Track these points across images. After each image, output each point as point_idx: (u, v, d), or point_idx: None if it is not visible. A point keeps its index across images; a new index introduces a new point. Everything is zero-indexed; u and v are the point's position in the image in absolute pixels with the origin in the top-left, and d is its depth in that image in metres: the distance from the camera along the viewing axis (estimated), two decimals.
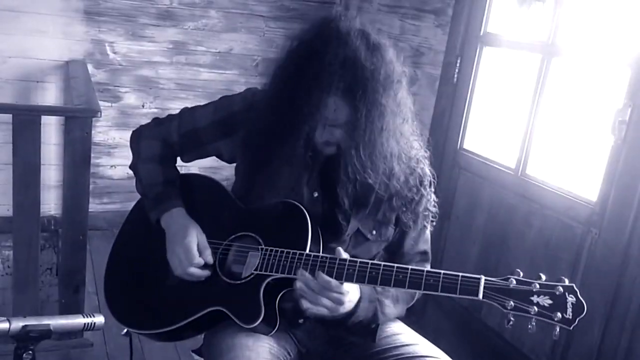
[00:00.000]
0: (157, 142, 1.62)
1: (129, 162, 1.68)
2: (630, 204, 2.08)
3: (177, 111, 1.65)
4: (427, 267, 1.56)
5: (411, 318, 1.65)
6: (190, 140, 1.61)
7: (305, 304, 1.34)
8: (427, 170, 1.54)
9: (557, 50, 2.42)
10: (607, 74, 2.29)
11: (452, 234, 2.91)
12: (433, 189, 1.56)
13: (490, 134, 2.85)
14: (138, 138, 1.65)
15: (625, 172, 2.11)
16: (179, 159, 1.67)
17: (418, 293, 1.55)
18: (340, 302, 1.34)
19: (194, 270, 1.46)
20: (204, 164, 1.65)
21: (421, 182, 1.51)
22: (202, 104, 1.63)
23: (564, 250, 2.33)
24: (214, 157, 1.65)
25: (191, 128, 1.60)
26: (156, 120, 1.67)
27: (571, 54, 2.41)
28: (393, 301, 1.51)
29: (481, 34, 2.78)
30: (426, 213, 1.54)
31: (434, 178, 1.55)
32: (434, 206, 1.55)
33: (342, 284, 1.33)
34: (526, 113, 2.51)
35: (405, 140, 1.44)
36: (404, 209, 1.50)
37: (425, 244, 1.59)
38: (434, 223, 1.58)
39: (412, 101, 1.42)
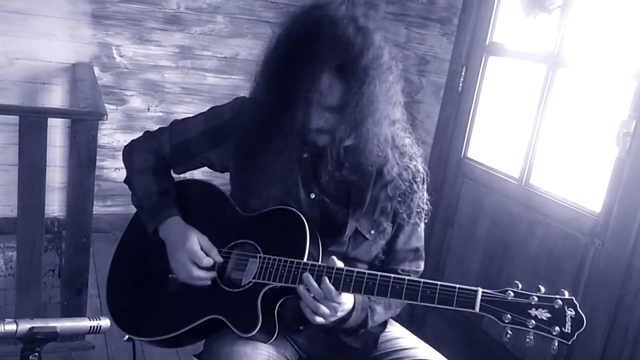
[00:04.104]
0: (150, 155, 1.63)
1: None
2: (634, 216, 2.08)
3: (183, 116, 1.65)
4: (421, 265, 1.59)
5: (412, 326, 1.65)
6: (181, 152, 1.61)
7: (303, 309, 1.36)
8: (420, 167, 1.55)
9: (563, 61, 2.42)
10: (612, 85, 2.30)
11: (455, 242, 2.90)
12: (426, 187, 1.56)
13: (495, 143, 2.85)
14: (130, 152, 1.65)
15: (629, 184, 2.10)
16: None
17: None
18: (335, 312, 1.36)
19: (199, 273, 1.46)
20: (206, 168, 1.65)
21: (414, 178, 1.52)
22: (192, 115, 1.63)
23: (567, 260, 2.33)
24: None
25: (182, 139, 1.60)
26: (147, 134, 1.67)
27: (576, 65, 2.41)
28: (385, 308, 1.52)
29: (487, 43, 2.79)
30: (419, 209, 1.55)
31: (427, 176, 1.56)
32: (427, 203, 1.56)
33: (340, 293, 1.34)
34: (531, 123, 2.51)
35: (396, 128, 1.44)
36: (400, 200, 1.50)
37: (418, 241, 1.59)
38: (427, 220, 1.59)
39: (401, 90, 1.42)
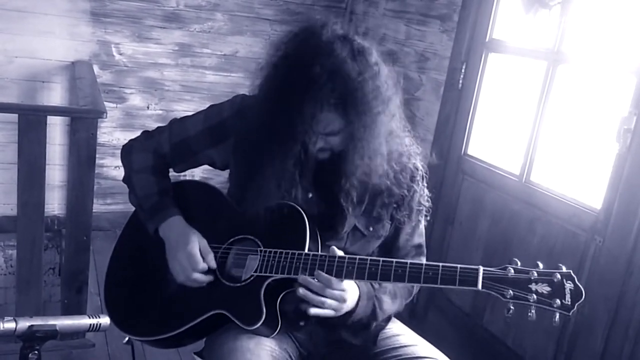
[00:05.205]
0: (149, 154, 1.63)
1: None
2: (635, 212, 2.07)
3: (183, 114, 1.65)
4: (423, 261, 1.58)
5: (413, 323, 1.65)
6: (181, 150, 1.61)
7: (312, 310, 1.36)
8: (419, 164, 1.55)
9: (563, 57, 2.42)
10: (613, 81, 2.29)
11: (456, 239, 2.90)
12: (426, 184, 1.57)
13: (495, 140, 2.85)
14: (129, 152, 1.65)
15: (629, 180, 2.10)
16: (171, 170, 1.67)
17: (416, 287, 1.59)
18: (343, 299, 1.37)
19: (197, 276, 1.47)
20: (204, 167, 1.65)
21: (412, 178, 1.53)
22: (191, 113, 1.64)
23: (567, 257, 2.33)
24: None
25: (182, 138, 1.60)
26: (146, 134, 1.67)
27: (577, 61, 2.41)
28: (391, 297, 1.52)
29: (487, 40, 2.78)
30: (420, 208, 1.56)
31: (426, 173, 1.57)
32: (427, 200, 1.57)
33: (342, 281, 1.35)
34: (531, 120, 2.51)
35: (394, 138, 1.46)
36: (395, 206, 1.52)
37: (420, 238, 1.61)
38: (428, 217, 1.60)
39: (399, 95, 1.43)
